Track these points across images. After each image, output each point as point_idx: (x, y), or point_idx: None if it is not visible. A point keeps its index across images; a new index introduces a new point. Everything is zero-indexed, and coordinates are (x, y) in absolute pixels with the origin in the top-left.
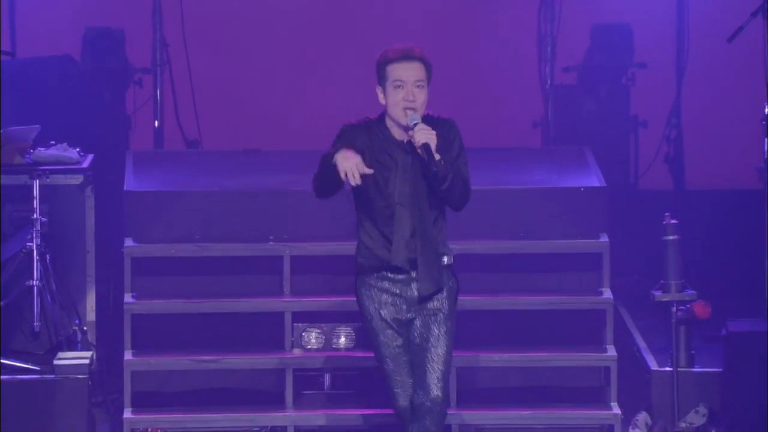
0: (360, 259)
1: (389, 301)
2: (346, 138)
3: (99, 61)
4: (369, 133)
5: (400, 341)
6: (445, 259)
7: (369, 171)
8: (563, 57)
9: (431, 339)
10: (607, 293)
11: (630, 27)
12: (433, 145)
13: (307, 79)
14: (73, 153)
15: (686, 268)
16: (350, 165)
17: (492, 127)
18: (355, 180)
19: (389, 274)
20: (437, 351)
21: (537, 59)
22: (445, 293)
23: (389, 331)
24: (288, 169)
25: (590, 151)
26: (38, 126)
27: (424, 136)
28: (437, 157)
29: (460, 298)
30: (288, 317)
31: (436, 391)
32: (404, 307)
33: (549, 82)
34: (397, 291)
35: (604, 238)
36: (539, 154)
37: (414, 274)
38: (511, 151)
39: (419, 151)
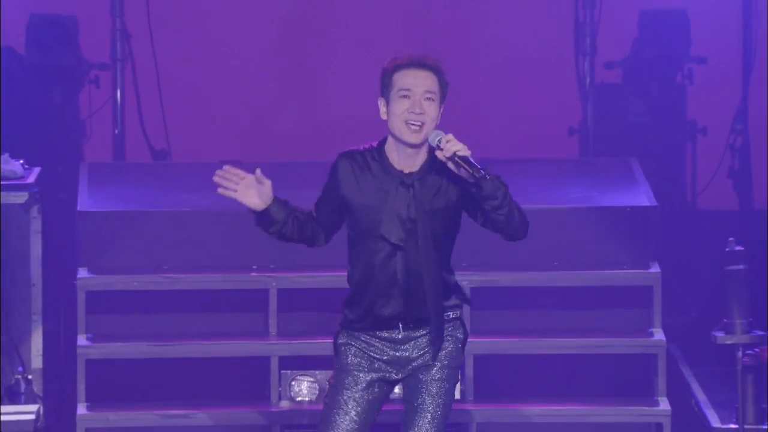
0: (346, 310)
1: (375, 362)
2: (335, 173)
3: (47, 55)
4: (364, 161)
5: (368, 394)
6: (451, 313)
7: (256, 179)
8: (606, 50)
9: (421, 399)
10: (659, 334)
11: (686, 14)
12: (470, 154)
13: (296, 78)
14: (16, 165)
15: (754, 304)
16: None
17: (520, 135)
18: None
19: (379, 332)
20: (428, 415)
21: (574, 53)
22: (451, 346)
23: (361, 380)
24: (275, 185)
25: (638, 163)
26: None
27: (456, 145)
28: (480, 172)
29: (480, 340)
30: (274, 363)
31: None
32: (391, 369)
33: (588, 80)
34: (387, 350)
35: (655, 268)
36: (577, 166)
37: (406, 333)
38: (543, 163)
39: (452, 166)
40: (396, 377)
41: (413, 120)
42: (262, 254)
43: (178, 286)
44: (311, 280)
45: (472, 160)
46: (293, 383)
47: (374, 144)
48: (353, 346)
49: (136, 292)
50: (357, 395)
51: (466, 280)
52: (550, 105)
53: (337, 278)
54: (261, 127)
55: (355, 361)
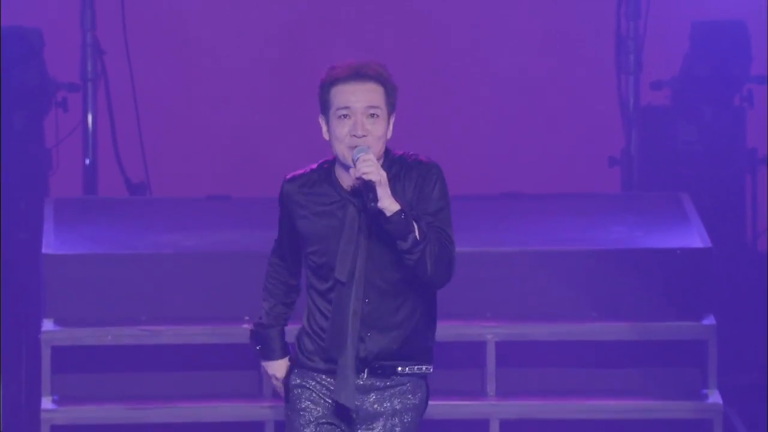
0: (297, 346)
1: (321, 405)
2: (283, 202)
3: (7, 74)
4: (311, 186)
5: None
6: (423, 368)
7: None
8: (652, 68)
9: None
10: (714, 396)
11: (745, 26)
12: (380, 184)
13: (293, 102)
14: None
15: None
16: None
17: (553, 166)
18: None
19: (322, 376)
20: None
21: (615, 71)
22: (398, 405)
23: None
24: (268, 223)
25: (689, 198)
26: None
27: (366, 166)
28: (393, 207)
29: (507, 403)
30: (270, 429)
31: None
32: (337, 420)
33: (632, 102)
34: (331, 400)
35: (710, 320)
36: (618, 202)
37: (368, 381)
38: (579, 198)
39: (359, 187)
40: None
41: (357, 144)
42: (255, 303)
43: (158, 340)
44: None
45: (378, 191)
46: None
47: (318, 165)
48: (308, 388)
49: (109, 347)
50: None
51: (489, 333)
52: (587, 131)
53: None
54: (253, 158)
55: (311, 407)
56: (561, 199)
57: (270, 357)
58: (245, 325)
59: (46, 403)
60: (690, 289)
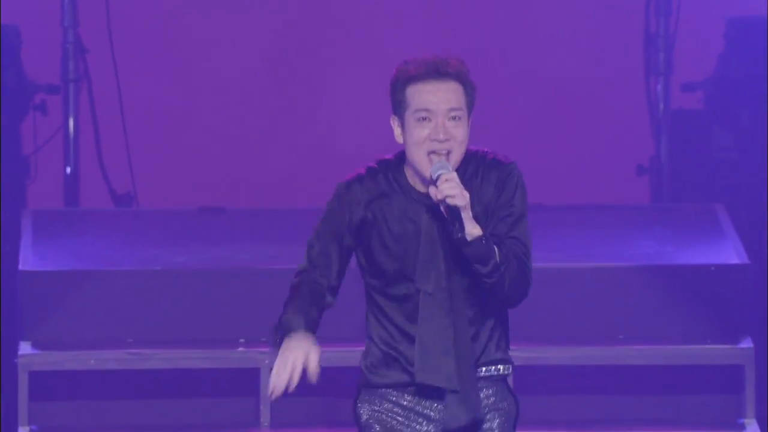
0: (367, 364)
1: (416, 427)
2: (337, 212)
3: None
4: (378, 190)
5: None
6: (501, 368)
7: (313, 374)
8: (684, 68)
9: None
10: (752, 426)
11: None
12: (464, 207)
13: (290, 106)
14: None
15: None
16: (280, 380)
17: (577, 175)
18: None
19: (412, 390)
20: None
21: (644, 73)
22: (496, 421)
23: None
24: (265, 237)
25: (724, 210)
26: None
27: (451, 190)
28: (474, 231)
29: None
30: None
31: None
32: None
33: (662, 106)
34: (430, 413)
35: (747, 343)
36: (647, 214)
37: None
38: (605, 210)
39: (442, 208)
40: None
41: (437, 149)
42: (251, 324)
43: (146, 365)
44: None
45: (462, 215)
46: None
47: (389, 159)
48: (375, 417)
49: (93, 372)
50: None
51: None
52: (613, 138)
53: (345, 354)
54: (249, 166)
55: None
56: (585, 211)
57: (291, 330)
58: (241, 348)
59: None
60: (726, 309)
